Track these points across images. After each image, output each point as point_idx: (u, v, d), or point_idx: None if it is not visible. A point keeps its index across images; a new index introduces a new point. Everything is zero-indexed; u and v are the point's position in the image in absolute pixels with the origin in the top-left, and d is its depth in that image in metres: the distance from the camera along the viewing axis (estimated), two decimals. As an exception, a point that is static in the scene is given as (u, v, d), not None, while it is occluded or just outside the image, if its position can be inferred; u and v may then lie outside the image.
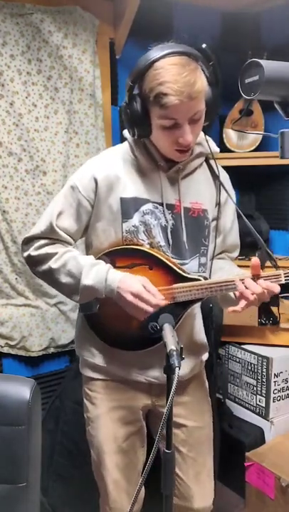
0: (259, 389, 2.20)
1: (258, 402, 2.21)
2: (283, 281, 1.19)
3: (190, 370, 1.40)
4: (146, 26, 2.19)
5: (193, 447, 1.42)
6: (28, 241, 1.31)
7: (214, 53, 1.17)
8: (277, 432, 2.17)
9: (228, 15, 2.47)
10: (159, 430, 0.89)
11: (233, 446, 2.14)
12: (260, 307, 2.16)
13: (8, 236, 2.02)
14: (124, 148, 1.32)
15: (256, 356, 2.20)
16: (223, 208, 1.38)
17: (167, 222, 1.27)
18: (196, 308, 1.41)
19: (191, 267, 1.29)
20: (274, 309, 2.26)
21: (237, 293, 1.20)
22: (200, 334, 1.45)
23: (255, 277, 1.19)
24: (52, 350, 2.17)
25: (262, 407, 2.19)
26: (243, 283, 1.18)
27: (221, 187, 1.35)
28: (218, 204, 1.36)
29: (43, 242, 1.29)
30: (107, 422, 1.37)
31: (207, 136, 1.31)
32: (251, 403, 2.25)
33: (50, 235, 1.28)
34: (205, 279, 1.24)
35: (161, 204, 1.27)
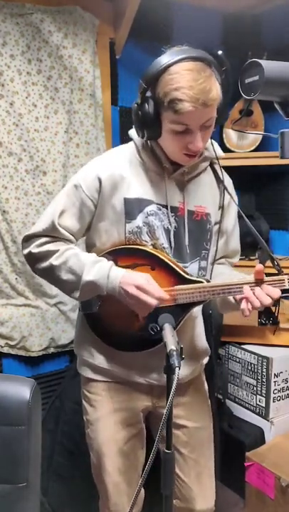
0: (259, 389, 2.20)
1: (258, 402, 2.21)
2: (287, 287, 1.19)
3: (190, 373, 1.39)
4: (146, 26, 2.20)
5: (195, 448, 1.42)
6: (29, 238, 1.30)
7: (228, 60, 1.17)
8: (277, 432, 2.17)
9: (228, 15, 2.47)
10: (158, 430, 0.89)
11: (233, 446, 2.14)
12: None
13: (8, 236, 2.02)
14: (129, 149, 1.31)
15: (256, 356, 2.20)
16: (226, 210, 1.38)
17: (170, 224, 1.27)
18: (198, 311, 1.41)
19: (190, 270, 1.29)
20: (274, 309, 2.26)
21: (237, 297, 1.20)
22: (201, 338, 1.45)
23: (259, 282, 1.18)
24: (52, 350, 2.17)
25: (262, 407, 2.19)
26: (251, 289, 1.17)
27: (225, 191, 1.35)
28: (222, 207, 1.36)
29: (44, 239, 1.27)
30: (107, 424, 1.36)
31: (213, 141, 1.31)
32: (251, 403, 2.25)
33: (52, 233, 1.27)
34: (207, 281, 1.24)
35: (165, 206, 1.27)
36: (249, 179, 2.42)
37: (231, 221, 1.41)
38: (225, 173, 1.39)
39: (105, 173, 1.25)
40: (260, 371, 2.19)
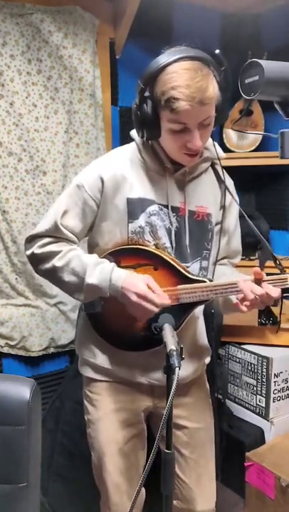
0: (259, 389, 2.20)
1: (258, 402, 2.21)
2: None
3: (192, 372, 1.39)
4: (146, 26, 2.20)
5: (195, 449, 1.42)
6: (32, 239, 1.30)
7: (226, 59, 1.17)
8: (277, 432, 2.17)
9: (228, 15, 2.47)
10: (159, 430, 0.89)
11: (233, 446, 2.14)
12: (260, 307, 2.16)
13: (8, 236, 2.02)
14: (131, 149, 1.31)
15: (256, 356, 2.20)
16: (227, 210, 1.38)
17: (171, 224, 1.27)
18: (199, 311, 1.41)
19: (192, 270, 1.29)
20: (274, 309, 2.26)
21: (240, 296, 1.20)
22: (203, 337, 1.45)
23: (259, 281, 1.18)
24: (52, 350, 2.17)
25: (262, 407, 2.19)
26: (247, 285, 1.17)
27: (226, 191, 1.35)
28: (223, 207, 1.36)
29: (47, 240, 1.27)
30: (108, 424, 1.36)
31: (214, 141, 1.31)
32: (251, 403, 2.25)
33: (55, 234, 1.27)
34: (210, 281, 1.24)
35: (167, 206, 1.27)
36: (249, 179, 2.42)
37: (233, 221, 1.41)
38: (227, 175, 1.39)
39: (108, 173, 1.25)
40: (260, 371, 2.19)
